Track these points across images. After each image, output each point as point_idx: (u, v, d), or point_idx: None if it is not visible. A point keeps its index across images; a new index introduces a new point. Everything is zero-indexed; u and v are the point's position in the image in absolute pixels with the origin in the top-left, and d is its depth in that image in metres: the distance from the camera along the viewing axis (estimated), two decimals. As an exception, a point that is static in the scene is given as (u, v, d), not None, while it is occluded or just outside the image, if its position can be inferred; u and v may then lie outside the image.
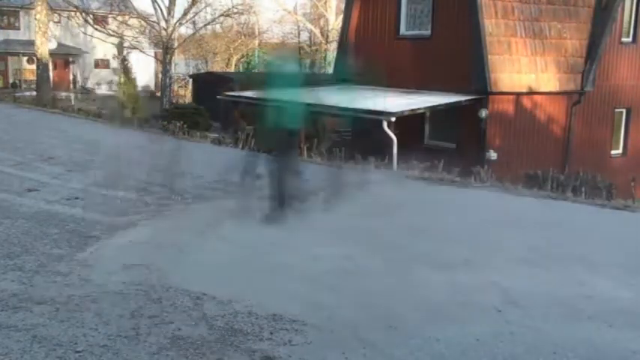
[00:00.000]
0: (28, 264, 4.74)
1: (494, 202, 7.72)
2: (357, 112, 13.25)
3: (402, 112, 12.78)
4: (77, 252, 5.10)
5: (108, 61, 39.18)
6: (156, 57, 39.21)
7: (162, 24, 33.24)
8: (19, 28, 38.34)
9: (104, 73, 39.76)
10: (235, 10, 37.05)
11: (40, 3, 23.40)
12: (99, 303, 4.03)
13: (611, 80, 15.83)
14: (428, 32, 15.11)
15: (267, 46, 44.66)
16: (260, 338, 3.62)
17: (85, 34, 37.95)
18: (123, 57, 23.66)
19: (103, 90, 33.87)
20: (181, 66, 46.12)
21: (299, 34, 49.84)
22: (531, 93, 14.44)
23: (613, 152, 16.39)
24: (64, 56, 39.69)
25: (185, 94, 38.07)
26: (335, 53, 20.52)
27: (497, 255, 5.35)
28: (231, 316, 3.90)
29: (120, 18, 35.84)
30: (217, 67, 41.13)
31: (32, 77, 31.24)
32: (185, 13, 34.99)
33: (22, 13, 37.60)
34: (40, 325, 3.66)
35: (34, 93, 26.18)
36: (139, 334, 3.60)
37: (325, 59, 40.82)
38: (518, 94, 14.30)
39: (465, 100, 13.71)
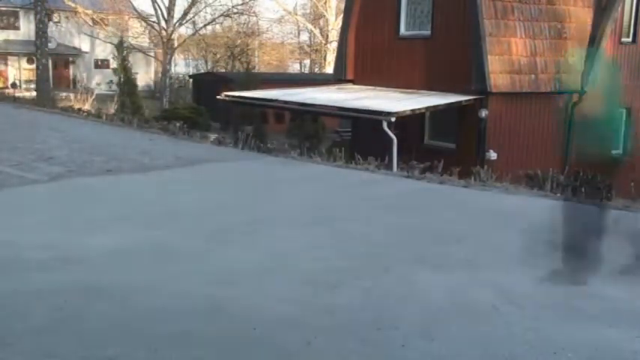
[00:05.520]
0: None
1: (494, 201, 7.72)
2: (357, 112, 13.25)
3: (402, 112, 12.77)
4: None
5: (108, 61, 39.19)
6: (156, 57, 39.25)
7: (163, 24, 33.27)
8: (19, 28, 38.36)
9: (104, 73, 39.77)
10: (235, 10, 37.07)
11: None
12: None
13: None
14: (428, 32, 15.10)
15: (267, 46, 44.70)
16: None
17: (85, 34, 37.99)
18: (123, 57, 23.62)
19: (103, 90, 33.84)
20: (181, 66, 46.13)
21: (299, 34, 49.90)
22: (531, 93, 14.44)
23: (613, 152, 16.38)
24: (64, 56, 39.72)
25: (185, 94, 38.06)
26: (335, 53, 20.48)
27: (498, 254, 5.36)
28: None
29: (119, 20, 35.87)
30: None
31: (32, 77, 31.26)
32: (185, 13, 35.04)
33: (22, 14, 37.62)
34: None
35: (34, 93, 26.21)
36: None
37: (325, 59, 40.83)
38: (518, 94, 14.30)
39: (465, 100, 13.71)
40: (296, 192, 7.81)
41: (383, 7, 16.07)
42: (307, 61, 51.39)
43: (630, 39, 16.19)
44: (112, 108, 23.17)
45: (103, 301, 4.12)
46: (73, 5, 33.67)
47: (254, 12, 40.63)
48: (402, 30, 15.73)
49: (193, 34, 38.94)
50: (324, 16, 39.89)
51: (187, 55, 45.23)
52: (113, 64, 30.44)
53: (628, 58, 16.20)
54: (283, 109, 18.45)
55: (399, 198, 7.73)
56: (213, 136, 13.39)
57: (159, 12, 33.45)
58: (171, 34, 33.65)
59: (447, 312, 4.09)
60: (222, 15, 37.09)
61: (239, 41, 40.42)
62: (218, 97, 16.82)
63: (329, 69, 34.98)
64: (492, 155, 13.60)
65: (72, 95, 29.35)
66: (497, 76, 13.68)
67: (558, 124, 13.43)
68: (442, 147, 14.25)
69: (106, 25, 35.42)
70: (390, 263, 5.05)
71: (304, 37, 49.82)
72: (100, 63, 41.32)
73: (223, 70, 37.62)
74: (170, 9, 33.20)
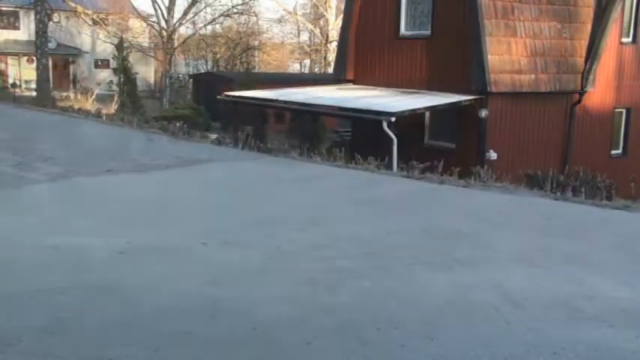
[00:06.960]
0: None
1: (493, 201, 7.72)
2: (357, 112, 13.26)
3: (402, 112, 12.77)
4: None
5: (108, 61, 39.20)
6: (156, 57, 39.26)
7: (163, 24, 33.30)
8: (19, 28, 38.36)
9: (104, 73, 39.76)
10: (235, 10, 37.09)
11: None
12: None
13: (611, 80, 15.83)
14: (428, 32, 15.10)
15: (267, 46, 44.68)
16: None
17: (85, 34, 37.98)
18: (123, 57, 23.65)
19: (103, 90, 33.86)
20: (181, 66, 46.12)
21: (299, 34, 49.92)
22: (531, 93, 14.44)
23: (613, 152, 16.39)
24: (64, 56, 39.71)
25: (185, 94, 38.09)
26: (335, 53, 20.49)
27: (497, 255, 5.36)
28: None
29: (120, 20, 35.89)
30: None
31: (32, 77, 31.27)
32: (185, 13, 35.09)
33: (22, 14, 37.62)
34: None
35: (34, 93, 26.20)
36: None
37: (325, 59, 40.85)
38: (518, 94, 14.30)
39: (465, 100, 13.71)
40: (296, 192, 7.81)
41: (383, 7, 16.07)
42: (307, 61, 51.40)
43: (630, 39, 16.19)
44: (112, 108, 23.19)
45: (103, 301, 4.12)
46: (73, 5, 33.66)
47: (254, 12, 40.67)
48: (402, 30, 15.73)
49: (193, 34, 38.95)
50: (324, 16, 39.89)
51: (187, 55, 45.21)
52: (113, 64, 30.53)
53: (628, 58, 16.21)
54: (283, 109, 18.46)
55: (399, 198, 7.73)
56: (213, 136, 13.40)
57: (159, 12, 33.51)
58: (171, 34, 33.69)
59: (447, 312, 4.09)
60: (222, 15, 37.15)
61: (239, 41, 40.41)
62: (218, 97, 16.82)
63: (329, 69, 34.98)
64: (492, 155, 13.60)
65: (72, 95, 29.41)
66: (498, 76, 13.68)
67: None
68: (442, 147, 14.25)
69: (106, 25, 35.44)
70: (390, 263, 5.05)
71: (304, 37, 49.88)
72: (100, 63, 41.31)
73: (223, 70, 37.62)
74: (170, 9, 33.25)
